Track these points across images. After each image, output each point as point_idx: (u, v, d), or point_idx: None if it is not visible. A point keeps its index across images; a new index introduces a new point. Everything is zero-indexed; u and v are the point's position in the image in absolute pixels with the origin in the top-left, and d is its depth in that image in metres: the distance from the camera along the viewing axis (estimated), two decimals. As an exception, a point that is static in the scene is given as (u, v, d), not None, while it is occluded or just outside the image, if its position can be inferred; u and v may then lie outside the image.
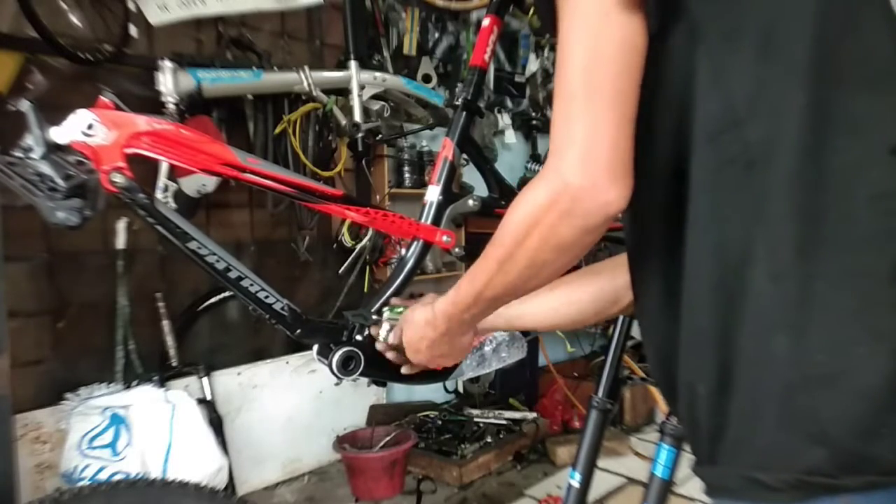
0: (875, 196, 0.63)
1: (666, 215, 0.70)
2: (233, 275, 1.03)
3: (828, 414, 0.61)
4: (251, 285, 1.04)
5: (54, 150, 0.95)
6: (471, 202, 1.28)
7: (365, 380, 1.12)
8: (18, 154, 0.96)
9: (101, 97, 1.02)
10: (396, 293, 1.21)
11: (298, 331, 1.09)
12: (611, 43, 0.63)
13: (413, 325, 0.96)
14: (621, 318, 1.56)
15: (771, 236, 0.63)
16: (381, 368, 1.17)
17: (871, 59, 0.65)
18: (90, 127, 0.96)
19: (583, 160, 0.63)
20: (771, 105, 0.63)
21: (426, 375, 1.27)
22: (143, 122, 1.00)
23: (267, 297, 1.05)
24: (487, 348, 1.27)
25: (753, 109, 0.64)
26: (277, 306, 1.06)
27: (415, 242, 1.26)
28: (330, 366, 1.07)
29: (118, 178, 0.96)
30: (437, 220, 1.30)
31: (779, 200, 0.63)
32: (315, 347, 1.14)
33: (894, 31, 0.67)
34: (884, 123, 0.64)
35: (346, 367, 1.09)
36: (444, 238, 1.25)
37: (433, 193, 1.31)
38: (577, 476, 1.42)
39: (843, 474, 0.60)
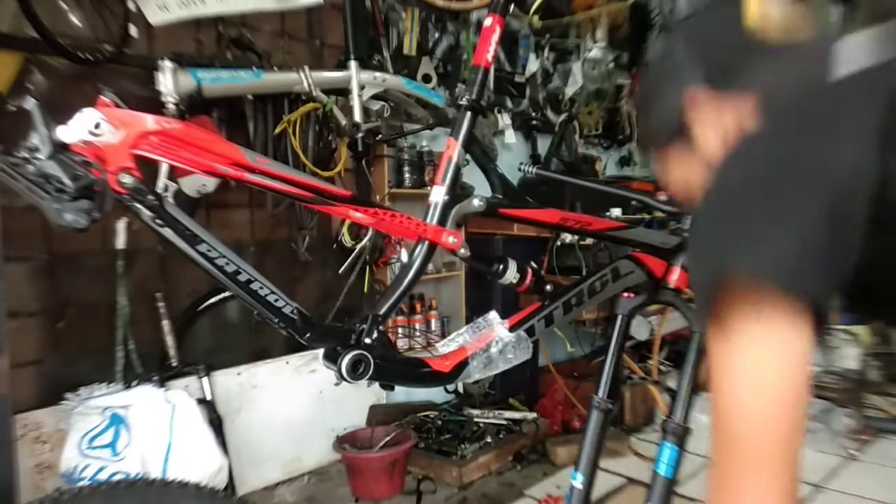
0: None
1: None
2: (242, 278, 1.01)
3: None
4: (261, 288, 1.02)
5: (61, 150, 0.91)
6: (476, 202, 1.26)
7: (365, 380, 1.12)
8: (23, 155, 0.92)
9: (102, 96, 0.97)
10: (404, 294, 1.20)
11: (308, 335, 1.08)
12: (783, 395, 0.56)
13: None
14: (619, 317, 1.56)
15: None
16: (389, 372, 1.16)
17: None
18: (97, 126, 0.92)
19: None
20: None
21: (433, 379, 1.26)
22: (151, 120, 0.97)
23: (277, 300, 1.03)
24: (494, 350, 1.26)
25: None
26: (287, 310, 1.04)
27: (420, 243, 1.25)
28: (339, 370, 1.06)
29: (127, 179, 0.93)
30: (442, 221, 1.29)
31: None
32: (321, 351, 1.13)
33: None
34: None
35: (355, 370, 1.08)
36: (451, 239, 1.24)
37: (438, 194, 1.30)
38: (580, 477, 1.42)
39: None
